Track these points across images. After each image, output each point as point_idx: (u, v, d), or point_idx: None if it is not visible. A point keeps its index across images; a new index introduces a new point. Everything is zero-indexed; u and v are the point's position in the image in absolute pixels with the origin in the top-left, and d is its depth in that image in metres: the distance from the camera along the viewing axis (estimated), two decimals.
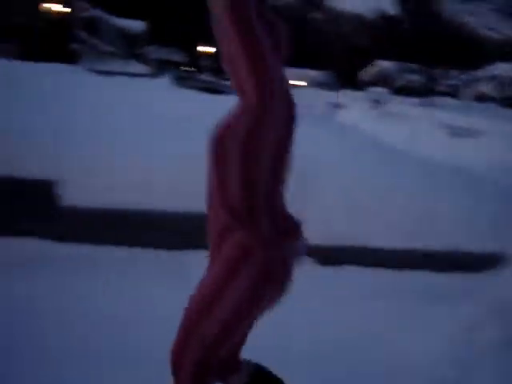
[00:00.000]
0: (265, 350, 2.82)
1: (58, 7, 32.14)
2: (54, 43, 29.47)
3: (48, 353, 3.41)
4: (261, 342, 2.71)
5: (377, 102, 31.64)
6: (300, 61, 60.74)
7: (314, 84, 52.99)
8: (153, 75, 28.70)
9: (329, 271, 5.16)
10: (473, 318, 4.12)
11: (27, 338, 3.56)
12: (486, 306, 4.15)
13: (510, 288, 4.31)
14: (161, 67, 38.35)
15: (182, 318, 2.19)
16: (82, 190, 5.14)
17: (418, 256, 5.38)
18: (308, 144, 6.28)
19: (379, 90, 35.28)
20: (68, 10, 33.22)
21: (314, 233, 5.07)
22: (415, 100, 45.61)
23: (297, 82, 51.97)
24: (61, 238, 5.03)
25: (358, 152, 6.73)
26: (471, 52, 48.97)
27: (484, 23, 39.27)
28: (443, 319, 4.20)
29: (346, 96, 40.21)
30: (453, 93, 54.80)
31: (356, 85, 54.70)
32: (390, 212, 5.49)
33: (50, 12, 31.75)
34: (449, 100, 49.38)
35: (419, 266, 5.30)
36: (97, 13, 42.30)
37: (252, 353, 2.50)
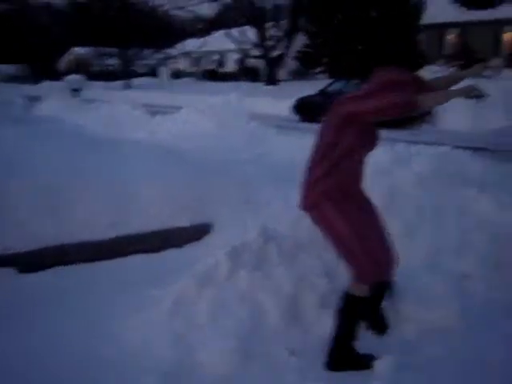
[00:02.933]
0: None
1: None
2: None
3: None
4: None
5: (75, 90, 30.91)
6: None
7: (8, 79, 49.92)
8: None
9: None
10: (187, 292, 4.12)
11: None
12: (196, 277, 4.18)
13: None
14: None
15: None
16: None
17: (127, 241, 5.25)
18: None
19: (76, 77, 34.31)
20: None
21: None
22: (115, 83, 45.57)
23: None
24: None
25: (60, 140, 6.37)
26: (164, 31, 50.31)
27: (173, 3, 40.72)
28: (160, 299, 4.15)
29: (45, 87, 38.58)
30: (150, 72, 55.89)
31: (55, 75, 52.78)
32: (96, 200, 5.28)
33: None
34: (147, 79, 50.23)
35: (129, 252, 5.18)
36: None
37: None
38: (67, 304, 4.37)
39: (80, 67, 55.64)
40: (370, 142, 3.48)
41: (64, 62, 61.67)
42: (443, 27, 34.87)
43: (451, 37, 35.27)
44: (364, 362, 3.60)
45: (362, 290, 3.51)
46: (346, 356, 3.62)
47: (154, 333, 3.88)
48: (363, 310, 3.69)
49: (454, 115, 17.14)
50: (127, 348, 3.80)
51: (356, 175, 3.53)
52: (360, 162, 3.51)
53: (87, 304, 4.35)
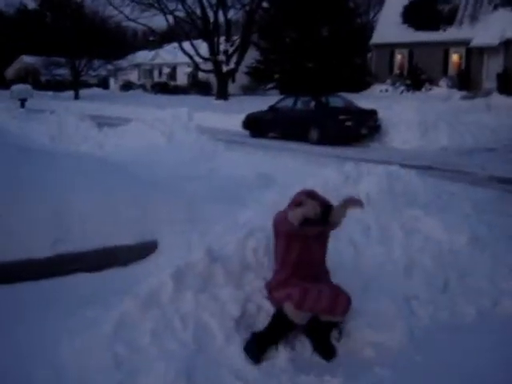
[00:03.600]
0: None
1: None
2: None
3: None
4: None
5: (22, 100, 30.24)
6: None
7: None
8: None
9: None
10: (129, 314, 3.98)
11: None
12: (139, 298, 4.05)
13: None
14: None
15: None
16: None
17: (67, 260, 5.05)
18: None
19: (22, 86, 33.52)
20: None
21: None
22: (64, 94, 44.88)
23: None
24: None
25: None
26: (115, 42, 49.79)
27: (125, 14, 40.40)
28: (101, 321, 4.00)
29: None
30: (100, 83, 55.26)
31: (2, 83, 51.62)
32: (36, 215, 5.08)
33: None
34: (97, 90, 49.63)
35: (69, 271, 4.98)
36: None
37: None
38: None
39: (29, 76, 54.57)
40: (301, 254, 4.05)
41: (12, 70, 60.38)
42: (393, 47, 35.49)
43: (400, 56, 35.93)
44: (256, 355, 3.90)
45: (292, 314, 3.90)
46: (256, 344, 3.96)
47: (94, 356, 3.72)
48: (284, 329, 4.02)
49: (402, 133, 17.39)
50: (64, 373, 3.64)
51: (301, 266, 4.07)
52: (306, 257, 4.07)
53: (22, 326, 4.15)
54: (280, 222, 4.01)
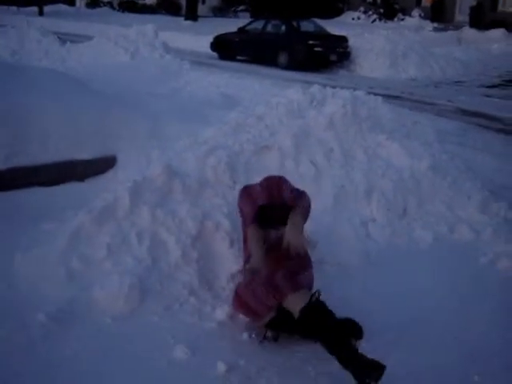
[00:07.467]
0: None
1: None
2: None
3: None
4: None
5: None
6: None
7: None
8: None
9: None
10: (84, 228, 3.91)
11: None
12: (94, 211, 3.97)
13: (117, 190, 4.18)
14: None
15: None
16: None
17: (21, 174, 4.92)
18: None
19: None
20: None
21: None
22: (27, 9, 43.17)
23: None
24: None
25: None
26: None
27: None
28: (55, 234, 3.92)
29: None
30: None
31: None
32: None
33: None
34: (63, 7, 47.82)
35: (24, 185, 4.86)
36: None
37: None
38: None
39: None
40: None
41: None
42: None
43: None
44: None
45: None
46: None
47: (47, 270, 3.67)
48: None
49: (372, 62, 17.27)
50: (17, 284, 3.60)
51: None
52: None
53: None
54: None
